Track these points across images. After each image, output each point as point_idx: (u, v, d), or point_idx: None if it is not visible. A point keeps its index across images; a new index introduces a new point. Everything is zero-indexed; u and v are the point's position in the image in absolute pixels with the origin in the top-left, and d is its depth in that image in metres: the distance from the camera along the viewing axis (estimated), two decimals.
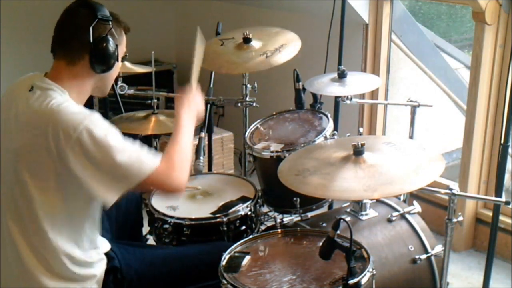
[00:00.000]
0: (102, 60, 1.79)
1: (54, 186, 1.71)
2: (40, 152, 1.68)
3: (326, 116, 2.62)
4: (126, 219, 2.27)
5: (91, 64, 1.78)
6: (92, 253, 1.85)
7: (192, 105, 2.02)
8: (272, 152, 2.45)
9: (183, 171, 1.82)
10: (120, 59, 1.87)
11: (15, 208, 1.75)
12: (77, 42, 1.77)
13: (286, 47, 2.77)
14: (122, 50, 1.88)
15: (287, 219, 2.22)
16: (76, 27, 1.77)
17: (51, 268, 1.75)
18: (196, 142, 2.55)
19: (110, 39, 1.79)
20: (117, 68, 1.88)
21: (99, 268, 1.86)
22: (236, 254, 1.93)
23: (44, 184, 1.71)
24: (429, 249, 2.24)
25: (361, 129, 2.71)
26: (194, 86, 2.11)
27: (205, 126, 2.75)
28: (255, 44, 2.79)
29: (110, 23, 1.80)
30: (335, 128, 2.63)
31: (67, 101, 1.74)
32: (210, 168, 3.32)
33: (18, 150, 1.72)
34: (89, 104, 1.87)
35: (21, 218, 1.75)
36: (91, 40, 1.75)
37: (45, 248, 1.74)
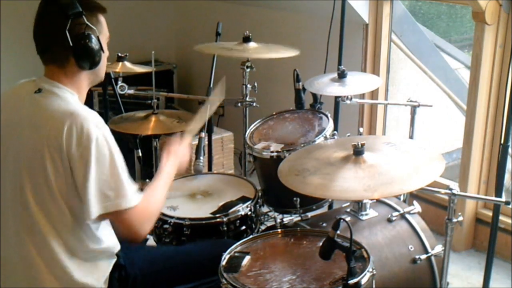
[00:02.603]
0: (88, 58, 1.77)
1: (59, 187, 1.71)
2: (53, 152, 1.68)
3: (326, 116, 2.63)
4: None
5: (78, 64, 1.77)
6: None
7: (178, 156, 2.08)
8: (272, 152, 2.45)
9: (151, 223, 1.85)
10: (105, 47, 1.84)
11: (25, 206, 1.75)
12: (58, 47, 1.76)
13: None
14: (105, 36, 1.85)
15: (287, 219, 2.22)
16: (52, 32, 1.75)
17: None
18: (196, 142, 2.55)
19: (89, 34, 1.75)
20: (106, 56, 1.86)
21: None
22: (236, 254, 1.93)
23: (52, 184, 1.71)
24: (429, 249, 2.24)
25: (361, 129, 2.71)
26: (187, 139, 2.17)
27: (205, 126, 2.75)
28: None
29: (84, 17, 1.74)
30: (335, 128, 2.63)
31: (80, 105, 1.76)
32: (210, 168, 3.32)
33: (33, 151, 1.71)
34: (89, 104, 1.86)
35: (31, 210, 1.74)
36: (71, 43, 1.72)
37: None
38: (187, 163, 2.14)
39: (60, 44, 1.73)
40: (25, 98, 1.79)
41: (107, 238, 1.89)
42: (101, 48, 1.79)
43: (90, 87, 1.90)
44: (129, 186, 1.74)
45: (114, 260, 1.89)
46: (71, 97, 1.78)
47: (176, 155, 2.07)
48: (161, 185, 1.94)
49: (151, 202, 1.84)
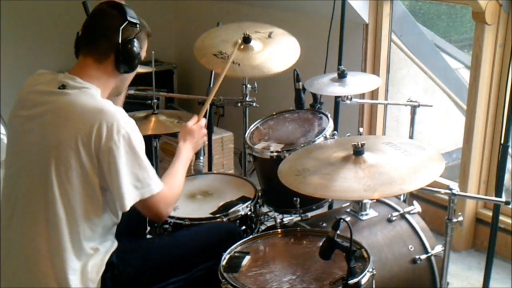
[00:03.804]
0: (128, 61, 1.88)
1: (79, 182, 1.77)
2: (80, 147, 1.74)
3: (326, 116, 2.62)
4: (131, 219, 2.28)
5: (117, 64, 1.87)
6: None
7: (195, 141, 2.16)
8: (272, 152, 2.45)
9: (174, 204, 1.98)
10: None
11: (38, 202, 1.80)
12: (106, 41, 1.86)
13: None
14: (143, 54, 1.97)
15: (287, 219, 2.22)
16: (107, 27, 1.87)
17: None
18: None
19: (136, 41, 1.88)
20: (136, 71, 1.97)
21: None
22: (236, 254, 1.93)
23: (72, 178, 1.76)
24: (429, 249, 2.24)
25: (361, 129, 2.71)
26: (202, 120, 2.22)
27: (205, 126, 2.74)
28: (255, 44, 2.79)
29: (138, 26, 1.89)
30: (335, 128, 2.63)
31: (107, 101, 1.82)
32: (210, 168, 3.32)
33: (59, 144, 1.76)
34: None
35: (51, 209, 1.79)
36: (120, 41, 1.84)
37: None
38: (203, 142, 2.22)
39: (109, 40, 1.85)
40: (49, 93, 1.83)
41: (108, 238, 1.91)
42: (140, 57, 1.92)
43: (111, 95, 1.95)
44: (153, 174, 1.83)
45: (106, 260, 1.89)
46: (96, 93, 1.84)
47: (193, 139, 2.14)
48: (180, 169, 2.04)
49: (173, 186, 1.96)
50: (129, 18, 1.87)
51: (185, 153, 2.10)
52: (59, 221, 1.78)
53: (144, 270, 1.96)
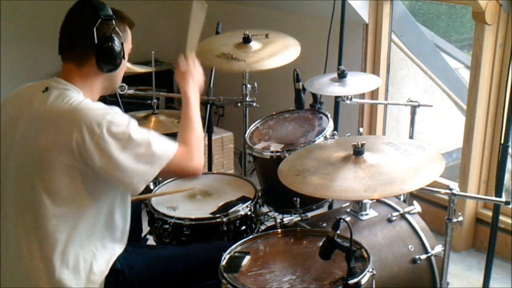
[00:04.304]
0: (109, 60, 1.81)
1: (71, 184, 1.74)
2: (62, 151, 1.70)
3: (326, 116, 2.63)
4: None
5: (98, 65, 1.81)
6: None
7: (195, 77, 2.08)
8: (272, 152, 2.45)
9: (200, 152, 1.91)
10: (126, 56, 1.89)
11: (28, 209, 1.78)
12: (82, 44, 1.80)
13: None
14: (128, 47, 1.90)
15: (287, 219, 2.22)
16: (80, 29, 1.80)
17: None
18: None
19: (115, 38, 1.80)
20: (124, 65, 1.91)
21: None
22: (236, 254, 1.93)
23: (59, 184, 1.73)
24: (429, 249, 2.24)
25: (361, 129, 2.71)
26: (191, 57, 2.12)
27: (205, 126, 2.74)
28: (255, 45, 2.80)
29: (113, 21, 1.81)
30: (335, 128, 2.63)
31: (85, 99, 1.78)
32: (210, 168, 3.32)
33: (41, 151, 1.73)
34: None
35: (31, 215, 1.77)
36: (96, 41, 1.77)
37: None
38: (203, 79, 2.13)
39: (85, 42, 1.78)
40: (33, 97, 1.81)
41: (109, 241, 1.90)
42: (123, 53, 1.84)
43: (103, 94, 1.92)
44: (158, 143, 1.78)
45: (110, 264, 1.88)
46: (77, 94, 1.80)
47: (191, 76, 2.07)
48: (194, 114, 1.98)
49: (190, 139, 1.90)
50: (101, 15, 1.77)
51: (192, 93, 2.02)
52: (51, 229, 1.75)
53: (149, 279, 1.94)
